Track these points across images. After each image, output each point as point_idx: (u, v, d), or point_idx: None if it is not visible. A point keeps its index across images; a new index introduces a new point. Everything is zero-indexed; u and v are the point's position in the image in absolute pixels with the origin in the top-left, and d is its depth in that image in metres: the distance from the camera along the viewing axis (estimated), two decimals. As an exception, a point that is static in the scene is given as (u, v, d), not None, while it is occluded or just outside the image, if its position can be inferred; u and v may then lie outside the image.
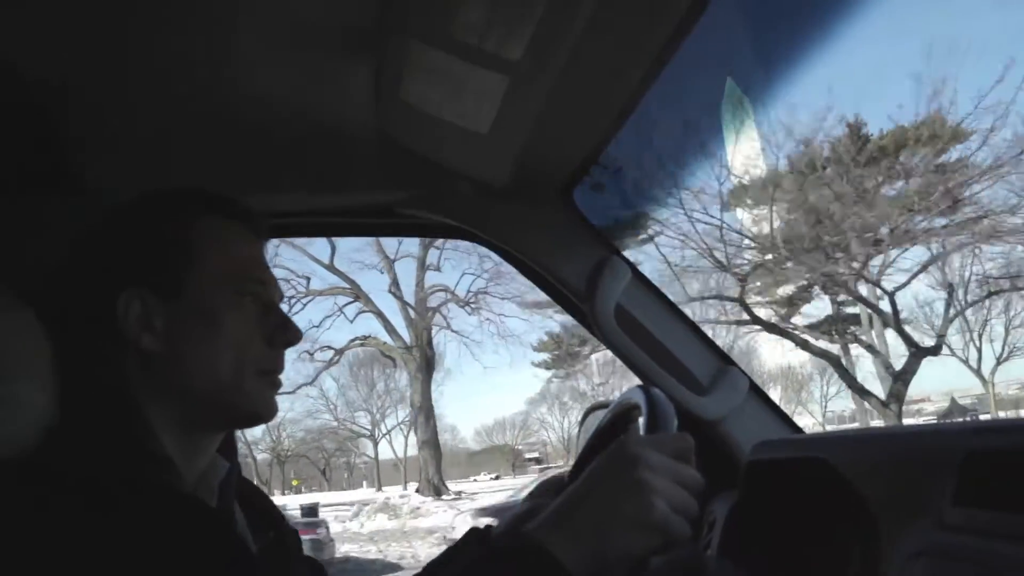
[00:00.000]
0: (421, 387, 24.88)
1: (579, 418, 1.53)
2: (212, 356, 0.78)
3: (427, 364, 24.98)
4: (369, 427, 35.13)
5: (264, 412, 0.82)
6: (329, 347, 26.39)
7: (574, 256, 1.36)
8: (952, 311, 15.29)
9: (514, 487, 20.30)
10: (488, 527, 1.08)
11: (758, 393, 1.40)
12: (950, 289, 14.93)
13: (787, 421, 1.41)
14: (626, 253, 1.40)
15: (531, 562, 0.63)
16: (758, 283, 15.03)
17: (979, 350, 21.19)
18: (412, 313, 25.00)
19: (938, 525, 0.66)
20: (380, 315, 24.90)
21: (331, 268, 24.18)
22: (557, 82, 1.00)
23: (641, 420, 0.95)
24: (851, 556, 0.99)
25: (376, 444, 35.79)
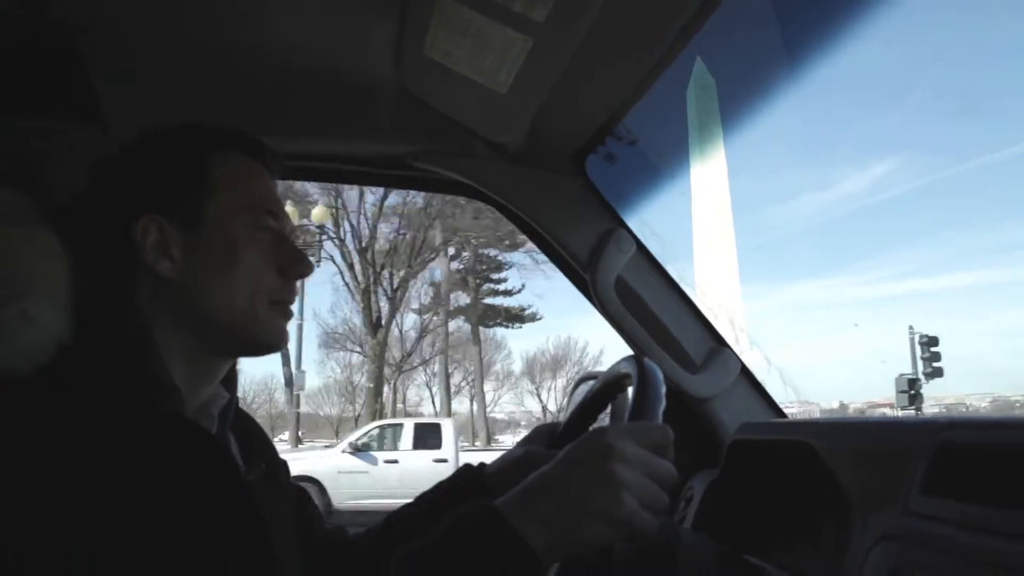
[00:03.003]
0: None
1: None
2: (228, 285, 0.81)
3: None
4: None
5: (275, 340, 0.86)
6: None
7: (581, 224, 1.37)
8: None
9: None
10: (482, 464, 1.11)
11: (748, 376, 1.42)
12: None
13: (773, 406, 1.44)
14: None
15: (498, 541, 0.64)
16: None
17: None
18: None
19: (904, 511, 0.68)
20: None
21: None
22: (579, 48, 1.00)
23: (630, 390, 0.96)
24: (823, 538, 1.02)
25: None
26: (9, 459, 0.60)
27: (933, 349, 17.44)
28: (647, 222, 1.45)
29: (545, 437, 1.14)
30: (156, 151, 0.85)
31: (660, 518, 0.68)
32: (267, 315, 0.84)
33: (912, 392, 16.83)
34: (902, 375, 16.70)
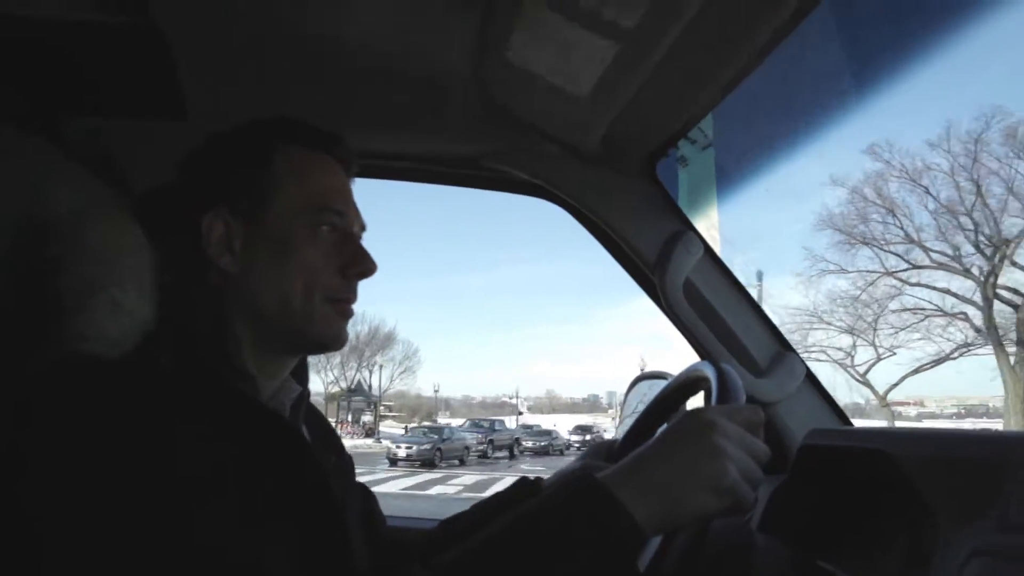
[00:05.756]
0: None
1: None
2: (283, 281, 0.81)
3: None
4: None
5: (332, 340, 0.85)
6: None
7: (650, 226, 1.38)
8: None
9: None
10: (538, 478, 1.12)
11: (813, 382, 1.42)
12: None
13: (839, 413, 1.43)
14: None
15: (601, 510, 0.65)
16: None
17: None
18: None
19: (1002, 527, 0.68)
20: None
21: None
22: (664, 54, 1.01)
23: (702, 393, 0.97)
24: (893, 548, 1.01)
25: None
26: (99, 433, 0.62)
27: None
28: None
29: (603, 453, 1.14)
30: (224, 146, 0.87)
31: (756, 492, 0.70)
32: (323, 314, 0.83)
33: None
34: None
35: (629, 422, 1.19)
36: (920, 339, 21.51)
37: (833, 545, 1.11)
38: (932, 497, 0.84)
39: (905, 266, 21.13)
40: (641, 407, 1.18)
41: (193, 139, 0.90)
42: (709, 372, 0.91)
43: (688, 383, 1.04)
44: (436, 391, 56.46)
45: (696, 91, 1.14)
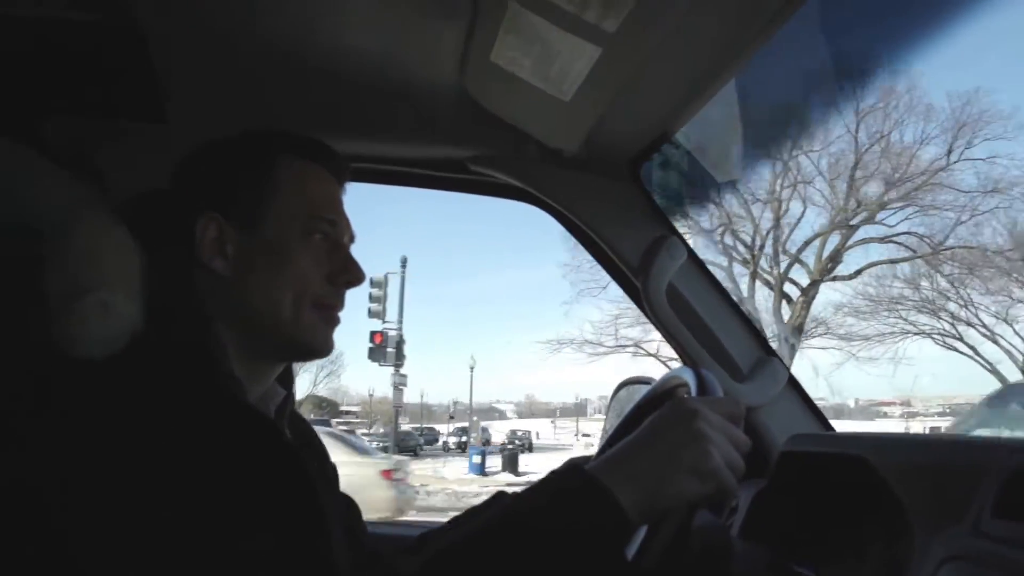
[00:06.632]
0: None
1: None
2: (275, 286, 0.83)
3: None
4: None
5: (319, 347, 0.87)
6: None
7: (633, 230, 1.38)
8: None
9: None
10: (515, 493, 1.11)
11: (795, 387, 1.42)
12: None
13: (820, 418, 1.43)
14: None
15: (588, 498, 0.65)
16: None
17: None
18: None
19: (974, 533, 0.69)
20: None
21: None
22: (647, 58, 1.01)
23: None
24: (870, 554, 1.02)
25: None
26: (84, 436, 0.62)
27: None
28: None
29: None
30: (222, 152, 0.88)
31: (738, 484, 0.71)
32: (311, 320, 0.85)
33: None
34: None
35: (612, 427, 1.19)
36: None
37: (812, 551, 1.11)
38: (910, 504, 0.84)
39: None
40: (623, 412, 1.18)
41: (173, 143, 0.89)
42: (688, 376, 0.92)
43: (668, 389, 1.05)
44: (370, 395, 55.82)
45: (678, 95, 1.14)
